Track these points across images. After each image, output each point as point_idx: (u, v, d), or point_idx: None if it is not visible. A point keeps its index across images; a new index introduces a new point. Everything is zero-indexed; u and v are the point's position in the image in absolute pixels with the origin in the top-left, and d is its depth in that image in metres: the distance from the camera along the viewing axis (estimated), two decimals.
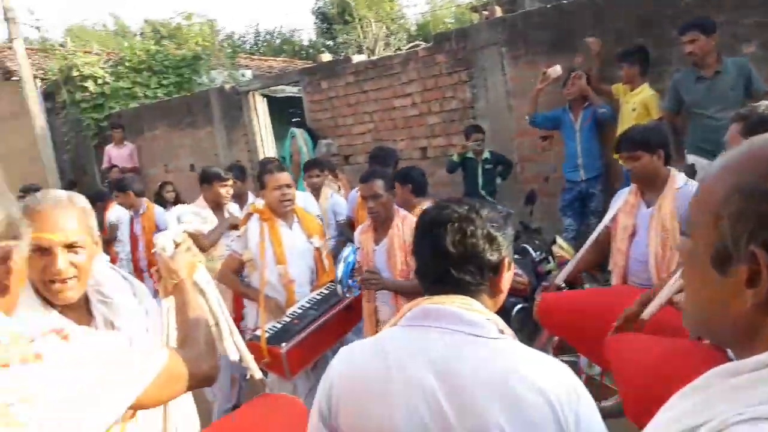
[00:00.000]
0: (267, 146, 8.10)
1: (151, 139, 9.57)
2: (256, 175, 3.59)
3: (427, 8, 21.41)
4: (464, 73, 5.80)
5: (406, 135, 6.32)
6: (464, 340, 1.13)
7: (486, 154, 5.18)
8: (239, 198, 4.58)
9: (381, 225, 3.19)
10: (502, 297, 1.26)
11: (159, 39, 15.76)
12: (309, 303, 3.26)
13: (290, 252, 3.35)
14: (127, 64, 10.77)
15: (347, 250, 3.26)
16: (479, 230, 1.19)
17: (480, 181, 5.15)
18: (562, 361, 3.51)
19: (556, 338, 3.48)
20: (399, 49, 17.04)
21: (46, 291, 1.43)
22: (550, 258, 4.15)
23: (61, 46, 13.71)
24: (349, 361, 1.25)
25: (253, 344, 3.01)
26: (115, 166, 8.99)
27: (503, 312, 4.05)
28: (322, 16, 18.96)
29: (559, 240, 4.14)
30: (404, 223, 3.12)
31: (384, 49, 16.53)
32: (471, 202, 1.26)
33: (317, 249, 3.47)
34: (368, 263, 3.15)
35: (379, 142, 6.56)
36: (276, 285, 3.32)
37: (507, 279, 1.25)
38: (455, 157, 5.25)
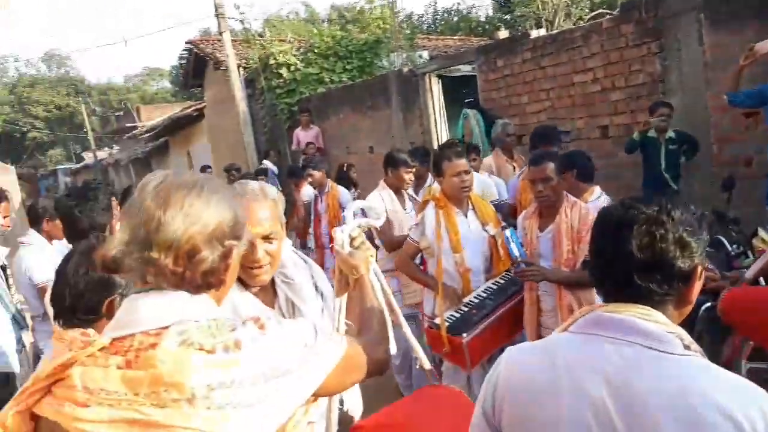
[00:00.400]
0: (440, 127, 8.22)
1: (336, 122, 10.24)
2: (432, 161, 3.53)
3: None
4: (654, 44, 5.31)
5: (585, 113, 5.99)
6: (643, 354, 1.05)
7: (670, 133, 4.74)
8: (419, 179, 4.66)
9: (548, 210, 3.07)
10: (689, 308, 1.16)
11: (344, 24, 16.67)
12: (486, 293, 3.19)
13: (466, 240, 3.30)
14: (315, 50, 11.53)
15: (507, 232, 3.13)
16: (671, 234, 1.08)
17: (662, 162, 4.73)
18: (755, 368, 3.14)
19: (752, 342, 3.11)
20: (581, 18, 16.02)
21: (243, 274, 1.61)
22: (749, 252, 3.69)
23: (260, 36, 15.17)
24: (516, 365, 1.20)
25: (432, 332, 3.05)
26: (311, 143, 9.74)
27: (692, 310, 3.72)
28: None
29: (762, 232, 3.65)
30: (573, 210, 2.98)
31: (564, 21, 15.64)
32: (662, 201, 1.13)
33: (492, 237, 3.39)
34: (532, 250, 3.06)
35: (554, 121, 6.32)
36: (452, 273, 3.27)
37: (697, 288, 1.14)
38: (635, 136, 4.87)
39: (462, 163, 3.30)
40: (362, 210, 1.67)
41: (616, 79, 5.66)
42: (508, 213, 4.14)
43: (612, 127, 5.77)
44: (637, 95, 5.49)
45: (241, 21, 12.82)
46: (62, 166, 37.64)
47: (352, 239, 1.63)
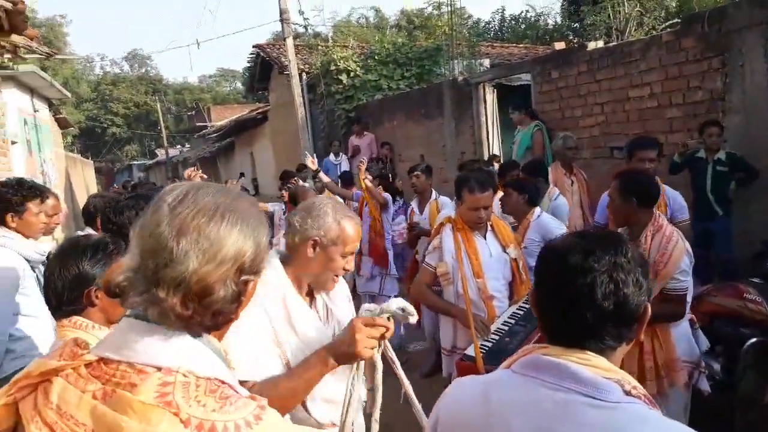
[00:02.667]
0: (492, 137, 8.13)
1: (390, 129, 10.31)
2: (455, 182, 3.31)
3: None
4: (716, 59, 5.07)
5: (639, 129, 5.77)
6: (576, 401, 1.01)
7: (720, 154, 4.52)
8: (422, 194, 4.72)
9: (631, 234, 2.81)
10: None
11: (412, 29, 16.72)
12: (513, 319, 3.02)
13: (487, 264, 3.13)
14: (376, 57, 11.68)
15: None
16: (630, 278, 1.05)
17: (708, 184, 4.53)
18: None
19: None
20: (653, 28, 15.41)
21: (327, 284, 1.80)
22: None
23: (326, 41, 15.47)
24: (455, 398, 1.20)
25: (465, 365, 2.83)
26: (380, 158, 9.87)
27: (736, 344, 3.51)
28: None
29: None
30: (654, 238, 2.72)
31: (636, 30, 15.10)
32: (613, 238, 1.11)
33: (514, 260, 3.23)
34: None
35: (608, 136, 6.14)
36: (476, 300, 3.09)
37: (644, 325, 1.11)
38: (676, 158, 4.71)
39: (483, 197, 3.08)
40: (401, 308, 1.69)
41: (674, 95, 5.44)
42: None
43: (667, 145, 5.53)
44: (695, 113, 5.25)
45: (305, 27, 13.14)
46: (137, 162, 39.63)
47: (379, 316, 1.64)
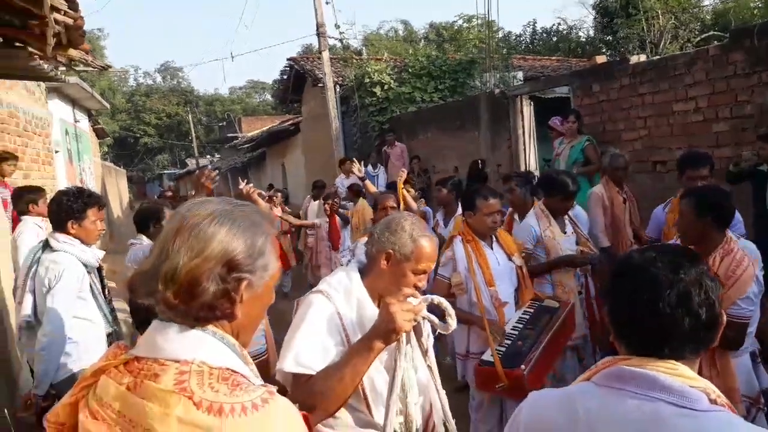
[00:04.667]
0: (529, 151, 8.09)
1: (424, 141, 10.33)
2: (464, 195, 3.58)
3: None
4: (765, 73, 4.99)
5: (683, 143, 5.69)
6: (664, 410, 1.02)
7: None
8: (522, 207, 4.49)
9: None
10: None
11: (441, 42, 16.79)
12: (521, 323, 3.22)
13: (497, 273, 3.35)
14: (410, 70, 11.74)
15: None
16: (714, 285, 1.11)
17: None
18: None
19: None
20: (688, 41, 15.23)
21: (391, 292, 1.79)
22: None
23: (358, 54, 15.61)
24: (538, 412, 1.21)
25: (484, 370, 3.00)
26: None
27: None
28: (603, 11, 17.94)
29: None
30: (724, 260, 2.62)
31: (670, 43, 14.95)
32: (689, 251, 1.21)
33: (519, 267, 3.47)
34: None
35: (651, 150, 6.07)
36: (489, 308, 3.28)
37: None
38: (732, 168, 4.61)
39: (495, 202, 3.36)
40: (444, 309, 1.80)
41: (720, 110, 5.36)
42: None
43: (714, 160, 5.44)
44: (743, 127, 5.16)
45: (341, 40, 13.28)
46: (167, 171, 40.34)
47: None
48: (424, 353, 1.77)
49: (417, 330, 1.74)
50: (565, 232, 3.94)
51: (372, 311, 1.81)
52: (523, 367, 2.86)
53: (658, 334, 1.10)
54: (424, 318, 1.73)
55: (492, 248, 3.47)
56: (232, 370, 1.01)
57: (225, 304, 1.04)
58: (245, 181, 4.13)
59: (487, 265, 3.34)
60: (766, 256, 4.44)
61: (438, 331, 1.79)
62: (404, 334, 1.66)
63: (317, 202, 8.44)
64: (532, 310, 3.31)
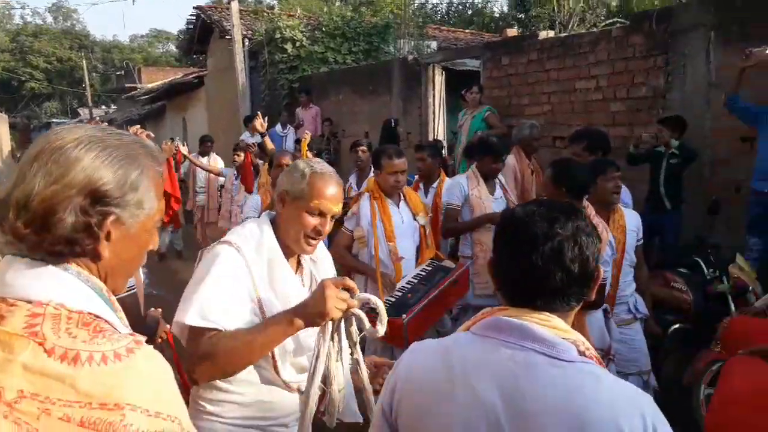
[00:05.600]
0: (438, 119, 8.13)
1: (335, 103, 10.12)
2: (373, 154, 3.84)
3: None
4: (660, 57, 5.23)
5: (583, 120, 5.90)
6: (534, 359, 1.06)
7: (673, 147, 4.60)
8: (429, 177, 4.62)
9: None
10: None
11: (358, 5, 16.45)
12: (416, 279, 3.34)
13: (399, 229, 3.53)
14: (323, 29, 11.40)
15: None
16: (590, 240, 1.12)
17: (661, 177, 4.64)
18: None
19: (715, 367, 3.09)
20: (595, 25, 15.89)
21: (299, 244, 1.75)
22: (724, 278, 3.66)
23: (270, 8, 14.97)
24: (415, 362, 1.21)
25: (370, 317, 3.11)
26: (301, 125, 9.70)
27: (660, 328, 3.69)
28: None
29: (740, 259, 3.63)
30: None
31: (578, 26, 15.52)
32: (570, 206, 1.19)
33: (422, 226, 3.66)
34: None
35: (553, 126, 6.25)
36: (386, 261, 3.46)
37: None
38: (632, 150, 4.83)
39: (399, 162, 3.52)
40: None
41: (618, 90, 5.59)
42: None
43: (610, 139, 5.70)
44: (637, 108, 5.42)
45: None
46: (57, 120, 37.25)
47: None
48: (353, 345, 1.63)
49: (347, 320, 1.59)
50: (493, 195, 4.05)
51: (282, 266, 1.74)
52: (404, 316, 2.94)
53: (531, 287, 1.12)
54: (353, 315, 1.59)
55: (399, 207, 3.62)
56: (96, 315, 0.90)
57: (86, 240, 0.91)
58: (137, 127, 3.81)
59: (390, 222, 3.50)
60: (651, 231, 4.75)
61: (363, 333, 1.65)
62: (330, 323, 1.54)
63: (205, 158, 8.25)
64: (429, 268, 3.43)
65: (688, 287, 3.80)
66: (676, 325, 3.77)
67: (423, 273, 3.40)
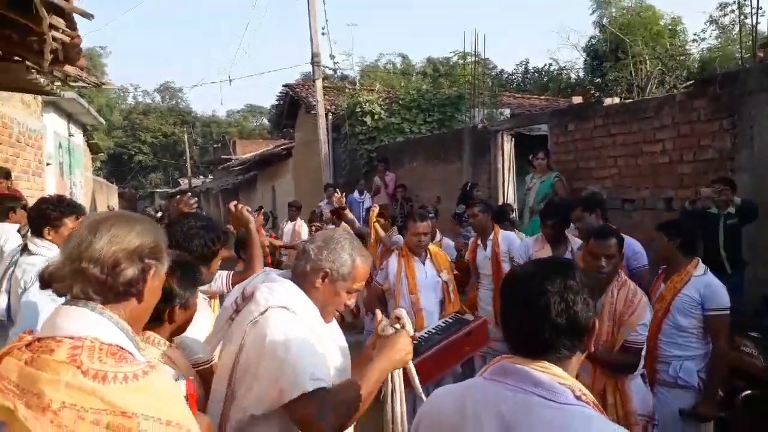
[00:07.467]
0: (507, 185, 8.33)
1: (410, 170, 10.59)
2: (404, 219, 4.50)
3: (715, 43, 19.25)
4: (726, 120, 5.27)
5: (651, 183, 5.95)
6: (534, 401, 1.18)
7: (731, 208, 4.50)
8: (484, 231, 4.74)
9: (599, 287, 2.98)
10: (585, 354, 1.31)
11: (437, 77, 17.18)
12: (435, 329, 3.57)
13: (422, 284, 3.88)
14: (400, 101, 12.08)
15: None
16: (579, 297, 1.24)
17: (720, 239, 4.53)
18: None
19: None
20: (674, 87, 15.68)
21: (329, 315, 1.88)
22: None
23: (352, 84, 15.97)
24: (436, 402, 1.39)
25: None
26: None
27: (728, 395, 3.59)
28: (593, 54, 18.47)
29: None
30: (621, 291, 2.93)
31: (656, 88, 15.40)
32: (564, 264, 1.35)
33: (445, 282, 3.96)
34: None
35: (621, 189, 6.31)
36: (408, 312, 3.57)
37: (593, 337, 1.30)
38: (687, 205, 4.87)
39: (422, 226, 3.94)
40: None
41: (685, 153, 5.63)
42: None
43: (677, 200, 5.69)
44: (705, 170, 5.42)
45: (334, 70, 13.64)
46: (159, 189, 40.37)
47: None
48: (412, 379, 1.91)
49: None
50: None
51: (321, 323, 1.83)
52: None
53: (529, 338, 1.26)
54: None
55: (424, 264, 4.00)
56: (120, 347, 1.16)
57: (139, 283, 1.24)
58: (234, 202, 4.26)
59: (413, 276, 3.90)
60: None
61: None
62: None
63: (293, 222, 8.72)
64: (450, 320, 3.67)
65: (758, 351, 3.70)
66: (747, 392, 3.66)
67: (443, 324, 3.63)
